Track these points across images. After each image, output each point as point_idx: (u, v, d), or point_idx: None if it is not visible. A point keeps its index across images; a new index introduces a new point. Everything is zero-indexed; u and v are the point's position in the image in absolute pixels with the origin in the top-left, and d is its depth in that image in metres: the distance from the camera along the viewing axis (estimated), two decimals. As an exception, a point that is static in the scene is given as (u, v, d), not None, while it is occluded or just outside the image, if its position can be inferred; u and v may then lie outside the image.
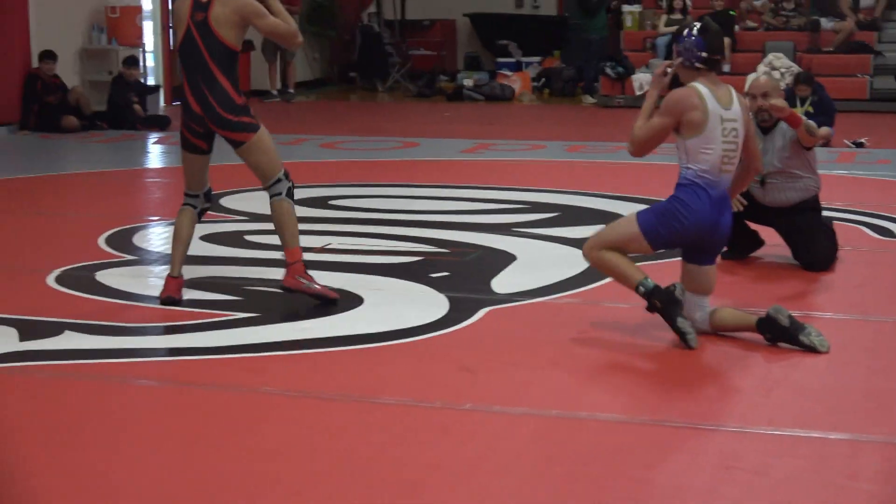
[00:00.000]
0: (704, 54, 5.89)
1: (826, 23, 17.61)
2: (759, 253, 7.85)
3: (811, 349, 5.77)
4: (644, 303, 5.95)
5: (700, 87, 5.88)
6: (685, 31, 5.97)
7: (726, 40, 17.57)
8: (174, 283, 6.85)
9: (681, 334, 5.85)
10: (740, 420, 5.00)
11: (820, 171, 7.74)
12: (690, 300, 6.00)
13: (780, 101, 7.44)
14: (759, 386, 5.42)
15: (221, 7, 6.56)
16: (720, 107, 5.88)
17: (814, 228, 7.60)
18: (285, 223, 6.75)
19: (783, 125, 7.51)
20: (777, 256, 7.78)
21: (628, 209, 7.47)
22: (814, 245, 7.56)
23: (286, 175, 6.78)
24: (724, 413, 5.13)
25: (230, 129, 6.64)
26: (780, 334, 5.85)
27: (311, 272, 6.71)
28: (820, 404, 5.19)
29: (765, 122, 7.54)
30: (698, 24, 5.97)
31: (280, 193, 6.74)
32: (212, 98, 6.59)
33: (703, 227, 5.90)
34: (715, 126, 5.84)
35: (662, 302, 5.89)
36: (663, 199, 6.03)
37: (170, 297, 6.79)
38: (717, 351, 5.90)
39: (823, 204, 7.85)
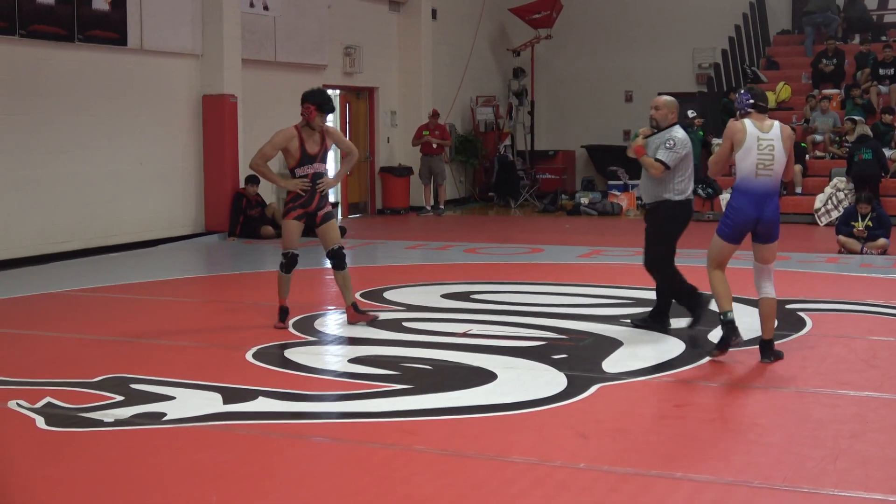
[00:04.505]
0: (751, 101, 7.09)
1: (886, 152, 17.16)
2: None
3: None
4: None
5: (745, 120, 7.09)
6: (740, 93, 7.20)
7: (798, 167, 17.44)
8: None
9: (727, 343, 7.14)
10: (812, 483, 4.82)
11: (877, 276, 7.62)
12: (757, 267, 7.17)
13: (639, 141, 7.97)
14: (828, 455, 5.22)
15: None
16: (759, 131, 7.05)
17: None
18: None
19: (659, 136, 7.93)
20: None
21: (714, 304, 7.35)
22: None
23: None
24: (798, 477, 4.95)
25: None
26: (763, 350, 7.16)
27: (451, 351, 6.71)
28: (880, 471, 4.99)
29: (653, 127, 8.03)
30: (746, 87, 7.20)
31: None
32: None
33: (748, 220, 7.04)
34: (752, 143, 6.98)
35: (729, 330, 7.08)
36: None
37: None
38: (792, 423, 5.74)
39: (882, 302, 7.62)
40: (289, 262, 8.44)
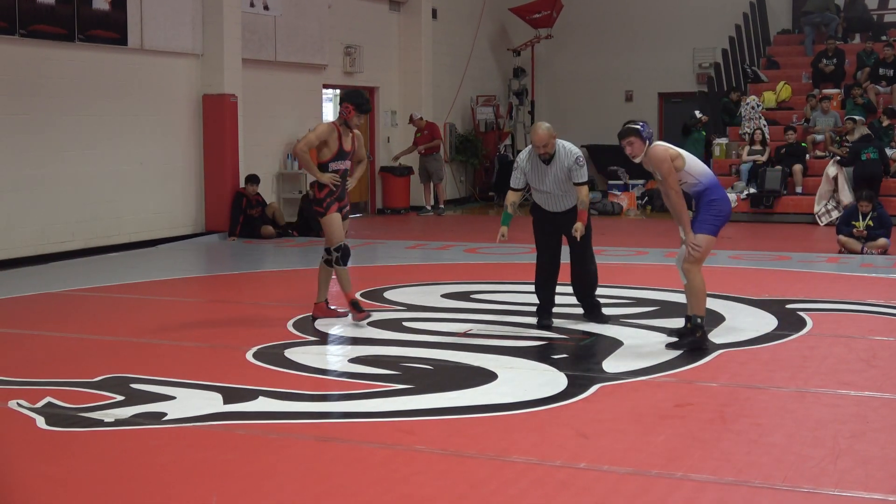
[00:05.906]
0: (651, 130, 7.63)
1: (888, 151, 17.16)
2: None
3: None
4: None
5: (664, 143, 7.64)
6: (640, 125, 7.56)
7: (798, 166, 17.44)
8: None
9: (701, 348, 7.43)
10: (812, 483, 4.83)
11: (877, 276, 7.65)
12: (682, 251, 7.55)
13: (578, 226, 8.22)
14: (828, 455, 5.22)
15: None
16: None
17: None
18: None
19: (560, 160, 8.23)
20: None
21: (714, 304, 7.34)
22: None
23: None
24: (799, 477, 4.95)
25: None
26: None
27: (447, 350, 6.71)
28: (880, 471, 4.99)
29: (545, 160, 8.24)
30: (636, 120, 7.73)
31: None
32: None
33: (730, 209, 7.58)
34: (688, 156, 7.51)
35: (704, 336, 7.46)
36: (700, 216, 7.45)
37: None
38: (792, 423, 5.74)
39: (882, 302, 7.64)
40: (344, 255, 8.56)
